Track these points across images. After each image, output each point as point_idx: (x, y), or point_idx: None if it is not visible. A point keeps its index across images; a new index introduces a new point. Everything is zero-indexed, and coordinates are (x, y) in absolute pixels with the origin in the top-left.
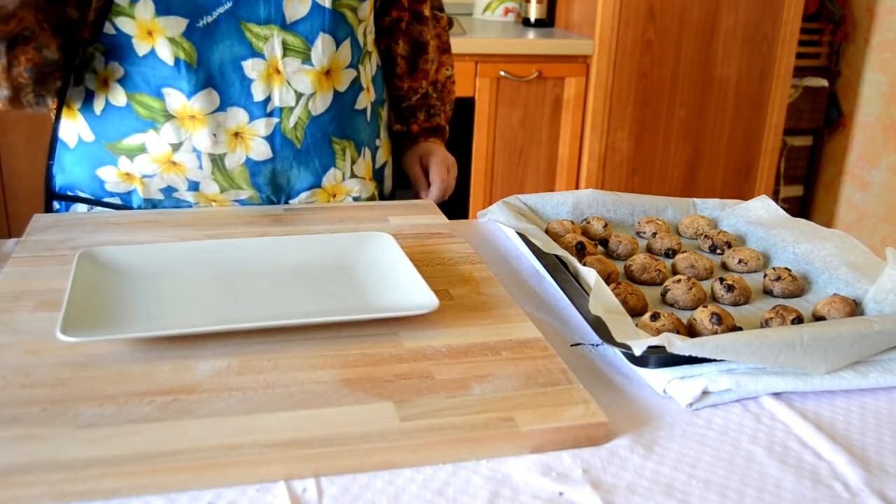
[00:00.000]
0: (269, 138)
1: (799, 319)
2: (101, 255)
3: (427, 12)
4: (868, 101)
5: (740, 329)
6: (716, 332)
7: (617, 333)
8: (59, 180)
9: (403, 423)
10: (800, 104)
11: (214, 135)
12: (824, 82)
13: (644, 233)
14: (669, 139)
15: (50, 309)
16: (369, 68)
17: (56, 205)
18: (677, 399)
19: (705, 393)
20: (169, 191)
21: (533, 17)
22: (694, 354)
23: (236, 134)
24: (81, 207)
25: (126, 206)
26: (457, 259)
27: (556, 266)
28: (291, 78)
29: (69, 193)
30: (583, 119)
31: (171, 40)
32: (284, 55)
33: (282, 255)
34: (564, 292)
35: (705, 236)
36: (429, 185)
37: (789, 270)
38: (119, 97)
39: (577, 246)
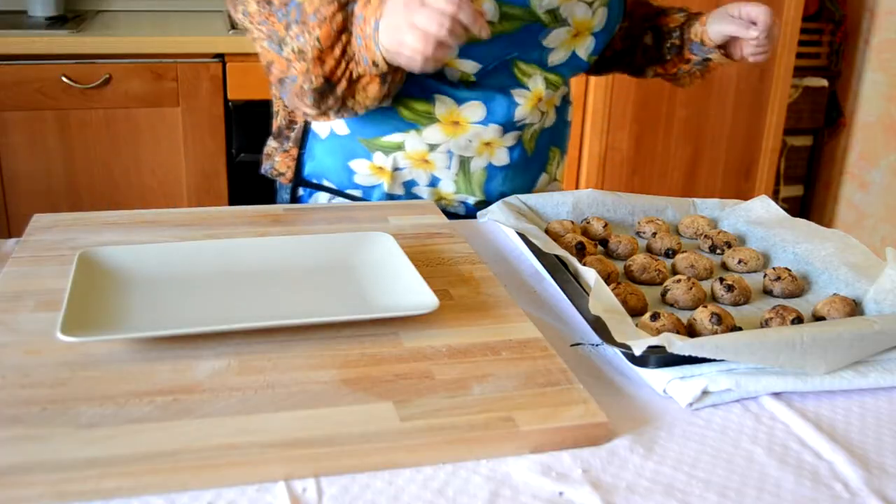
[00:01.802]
0: (511, 147)
1: (799, 319)
2: (101, 255)
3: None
4: (868, 101)
5: (740, 329)
6: (716, 332)
7: (617, 333)
8: (309, 168)
9: (403, 423)
10: (800, 104)
11: (470, 141)
12: (824, 82)
13: (644, 233)
14: (669, 139)
15: (50, 309)
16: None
17: (301, 191)
18: (677, 399)
19: (705, 393)
20: (410, 185)
21: None
22: (694, 354)
23: (488, 143)
24: (323, 197)
25: (366, 198)
26: (457, 259)
27: (556, 266)
28: (543, 103)
29: (314, 181)
30: (583, 119)
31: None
32: (546, 87)
33: (282, 255)
34: (564, 292)
35: (705, 236)
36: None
37: (789, 270)
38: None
39: (577, 246)
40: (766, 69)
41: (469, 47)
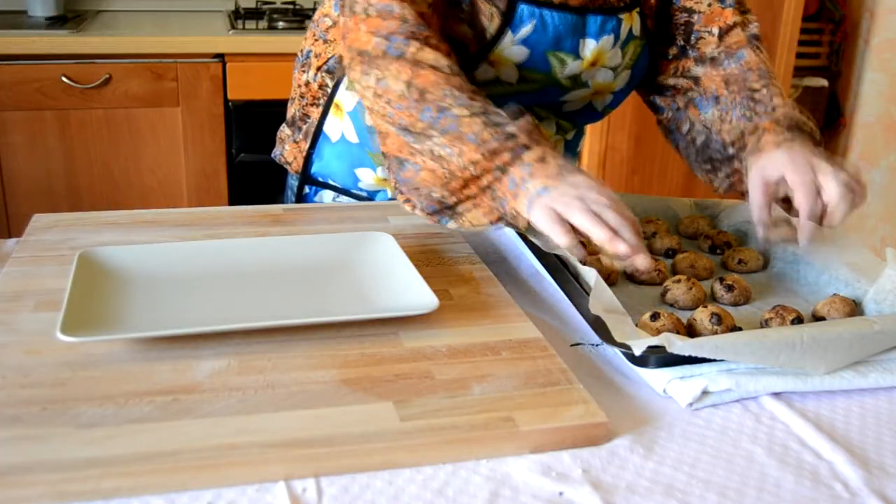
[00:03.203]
0: None
1: (799, 319)
2: (101, 255)
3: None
4: (868, 101)
5: (740, 329)
6: (716, 332)
7: (617, 333)
8: (316, 167)
9: (403, 423)
10: (800, 104)
11: None
12: (824, 82)
13: (644, 233)
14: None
15: (50, 309)
16: None
17: (307, 189)
18: (677, 399)
19: (705, 393)
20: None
21: None
22: (694, 354)
23: None
24: (328, 195)
25: (370, 198)
26: (457, 259)
27: (556, 266)
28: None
29: (320, 179)
30: None
31: None
32: (556, 131)
33: (282, 255)
34: (564, 292)
35: (705, 236)
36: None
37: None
38: None
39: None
40: None
41: (489, 98)
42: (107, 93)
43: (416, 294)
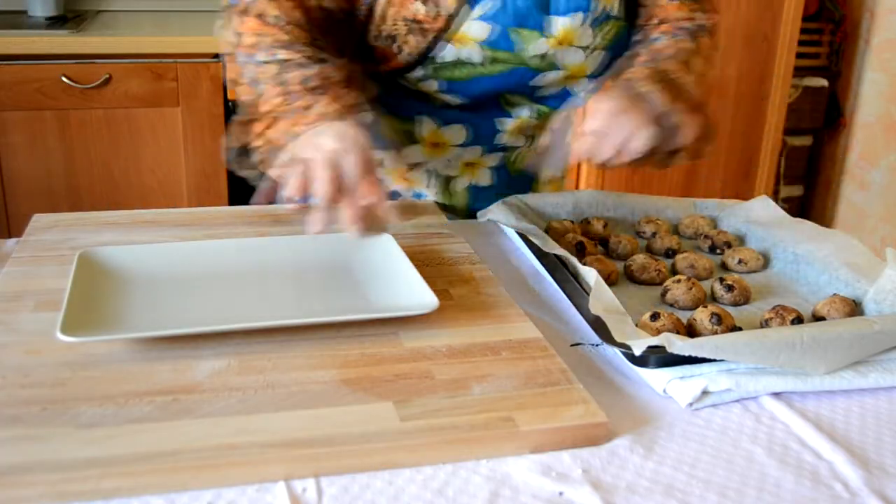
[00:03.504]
0: (495, 167)
1: (799, 319)
2: (101, 255)
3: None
4: (868, 101)
5: (740, 329)
6: (716, 332)
7: (617, 333)
8: None
9: (403, 423)
10: (800, 104)
11: (451, 161)
12: (824, 82)
13: (644, 233)
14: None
15: (50, 309)
16: None
17: None
18: (677, 399)
19: (705, 393)
20: (394, 196)
21: None
22: (694, 354)
23: (470, 163)
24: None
25: None
26: (457, 259)
27: (556, 266)
28: (528, 128)
29: None
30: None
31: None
32: (532, 116)
33: (282, 255)
34: (564, 292)
35: (705, 236)
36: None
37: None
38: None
39: (577, 246)
40: (766, 69)
41: (453, 84)
42: (107, 93)
43: (416, 294)
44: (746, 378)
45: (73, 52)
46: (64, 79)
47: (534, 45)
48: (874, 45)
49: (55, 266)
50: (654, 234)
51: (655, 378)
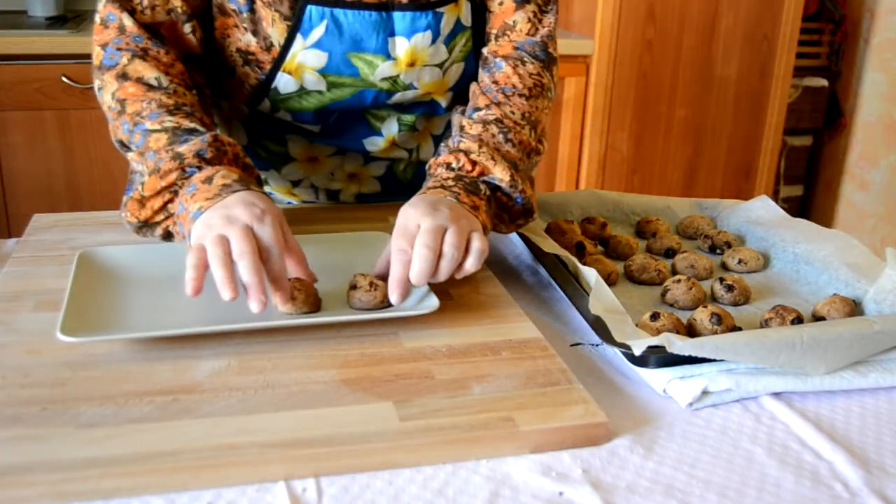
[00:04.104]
0: (381, 176)
1: (799, 319)
2: (101, 255)
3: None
4: (868, 101)
5: (740, 329)
6: (716, 332)
7: (617, 333)
8: None
9: (403, 423)
10: (800, 104)
11: (332, 174)
12: (824, 82)
13: (644, 233)
14: (669, 139)
15: (50, 309)
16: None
17: None
18: (677, 399)
19: (705, 393)
20: (320, 202)
21: None
22: (694, 354)
23: (353, 174)
24: None
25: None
26: None
27: (556, 266)
28: (403, 142)
29: None
30: (583, 119)
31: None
32: (399, 130)
33: None
34: (564, 292)
35: (705, 236)
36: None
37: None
38: (241, 138)
39: (577, 246)
40: (766, 69)
41: (303, 114)
42: None
43: (416, 294)
44: (746, 378)
45: (73, 52)
46: (64, 79)
47: (380, 69)
48: (874, 45)
49: (55, 266)
50: (654, 234)
51: (655, 378)
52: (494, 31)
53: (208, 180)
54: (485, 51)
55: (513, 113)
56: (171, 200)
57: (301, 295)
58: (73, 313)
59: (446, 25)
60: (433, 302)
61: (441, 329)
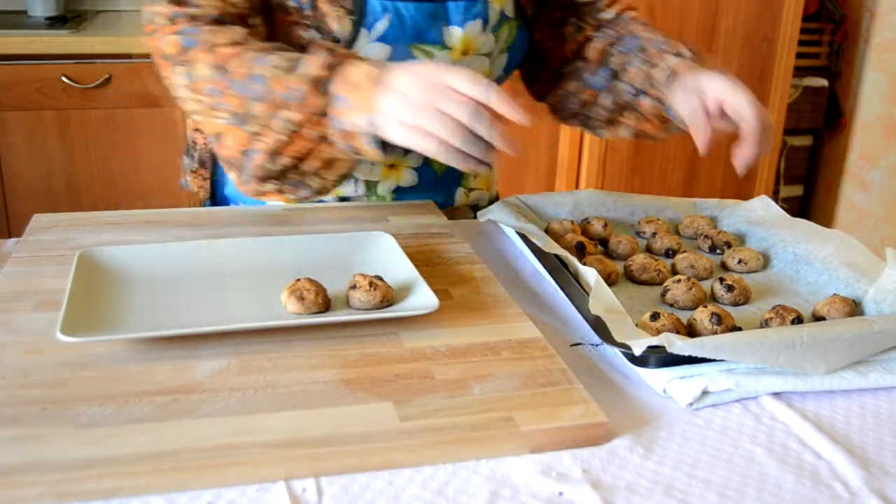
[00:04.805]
0: (418, 168)
1: (799, 319)
2: (101, 255)
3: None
4: (868, 101)
5: (740, 329)
6: (716, 332)
7: (617, 333)
8: (224, 192)
9: (403, 423)
10: (800, 104)
11: (372, 165)
12: (824, 82)
13: (644, 233)
14: (669, 139)
15: (50, 309)
16: None
17: None
18: (677, 399)
19: (705, 393)
20: (321, 202)
21: None
22: (694, 354)
23: (392, 165)
24: None
25: None
26: (457, 259)
27: (556, 266)
28: None
29: (233, 203)
30: None
31: None
32: None
33: (282, 255)
34: (564, 292)
35: (705, 236)
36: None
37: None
38: None
39: (577, 246)
40: (766, 69)
41: None
42: (107, 93)
43: (416, 294)
44: (746, 378)
45: (73, 52)
46: (64, 79)
47: (436, 60)
48: (874, 45)
49: (55, 266)
50: (654, 234)
51: (655, 378)
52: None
53: (352, 86)
54: (609, 14)
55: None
56: (325, 125)
57: (310, 295)
58: (73, 313)
59: (493, 14)
60: (433, 302)
61: (441, 329)
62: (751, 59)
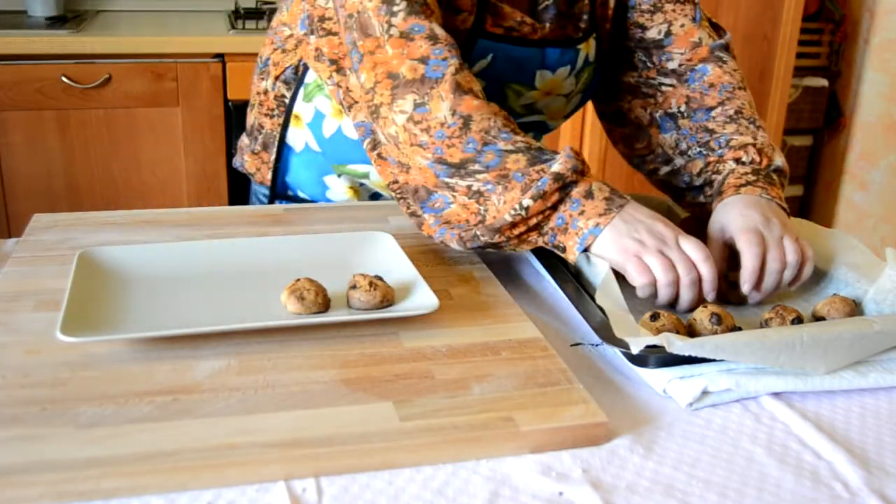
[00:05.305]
0: None
1: (799, 319)
2: (101, 255)
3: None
4: (868, 101)
5: (740, 329)
6: (716, 332)
7: (617, 330)
8: (285, 179)
9: (403, 423)
10: (800, 104)
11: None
12: (824, 82)
13: None
14: None
15: (50, 309)
16: None
17: (277, 203)
18: (677, 399)
19: (705, 393)
20: (377, 196)
21: None
22: (694, 354)
23: None
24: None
25: None
26: (457, 259)
27: (556, 266)
28: None
29: (290, 193)
30: (583, 119)
31: None
32: None
33: (282, 255)
34: (564, 292)
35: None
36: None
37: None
38: (351, 130)
39: None
40: (766, 69)
41: None
42: (107, 93)
43: (416, 294)
44: (746, 378)
45: (73, 52)
46: (64, 79)
47: (524, 98)
48: (874, 45)
49: (55, 266)
50: None
51: (655, 378)
52: (680, 51)
53: (588, 195)
54: (673, 64)
55: (743, 105)
56: (547, 219)
57: (310, 295)
58: (73, 313)
59: (580, 60)
60: (433, 302)
61: (441, 329)
62: (751, 59)
